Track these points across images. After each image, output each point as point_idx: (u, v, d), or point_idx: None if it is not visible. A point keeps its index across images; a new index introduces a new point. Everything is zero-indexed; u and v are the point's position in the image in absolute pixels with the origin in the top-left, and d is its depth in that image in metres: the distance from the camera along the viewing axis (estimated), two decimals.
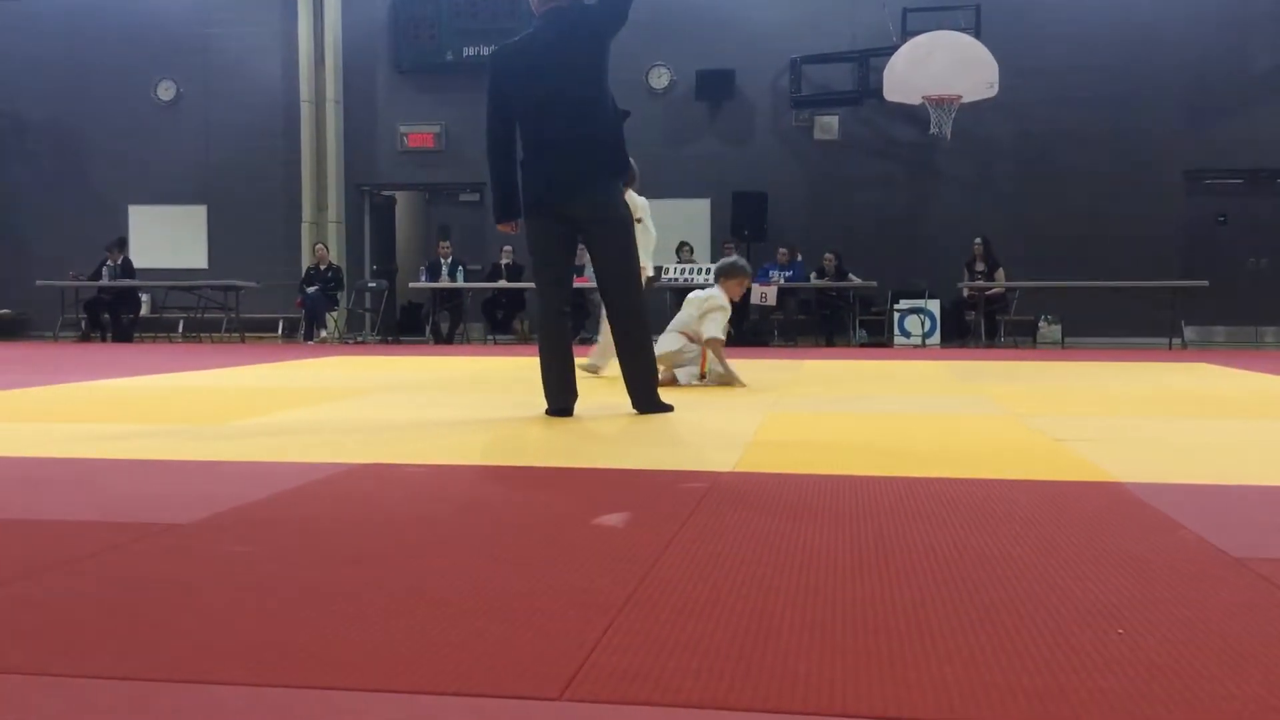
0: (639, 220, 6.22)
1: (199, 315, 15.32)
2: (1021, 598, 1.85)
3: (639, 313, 4.66)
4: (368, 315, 15.70)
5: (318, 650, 1.58)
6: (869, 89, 14.40)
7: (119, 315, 15.05)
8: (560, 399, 4.66)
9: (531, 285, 15.56)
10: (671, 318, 6.72)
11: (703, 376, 6.43)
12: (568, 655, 1.55)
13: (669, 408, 4.70)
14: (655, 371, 4.78)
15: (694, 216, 14.80)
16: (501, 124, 4.60)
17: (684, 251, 14.14)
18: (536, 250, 4.67)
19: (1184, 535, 2.35)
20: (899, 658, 1.54)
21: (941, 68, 13.27)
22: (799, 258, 14.13)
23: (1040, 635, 1.64)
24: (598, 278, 4.71)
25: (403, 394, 5.98)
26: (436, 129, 15.73)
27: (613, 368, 6.54)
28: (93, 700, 1.41)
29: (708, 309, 6.39)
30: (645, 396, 4.67)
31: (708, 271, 13.81)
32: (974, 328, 13.72)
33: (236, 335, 14.90)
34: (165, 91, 16.38)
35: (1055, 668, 1.50)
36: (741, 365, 8.94)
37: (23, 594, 1.90)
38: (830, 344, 13.78)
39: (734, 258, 6.81)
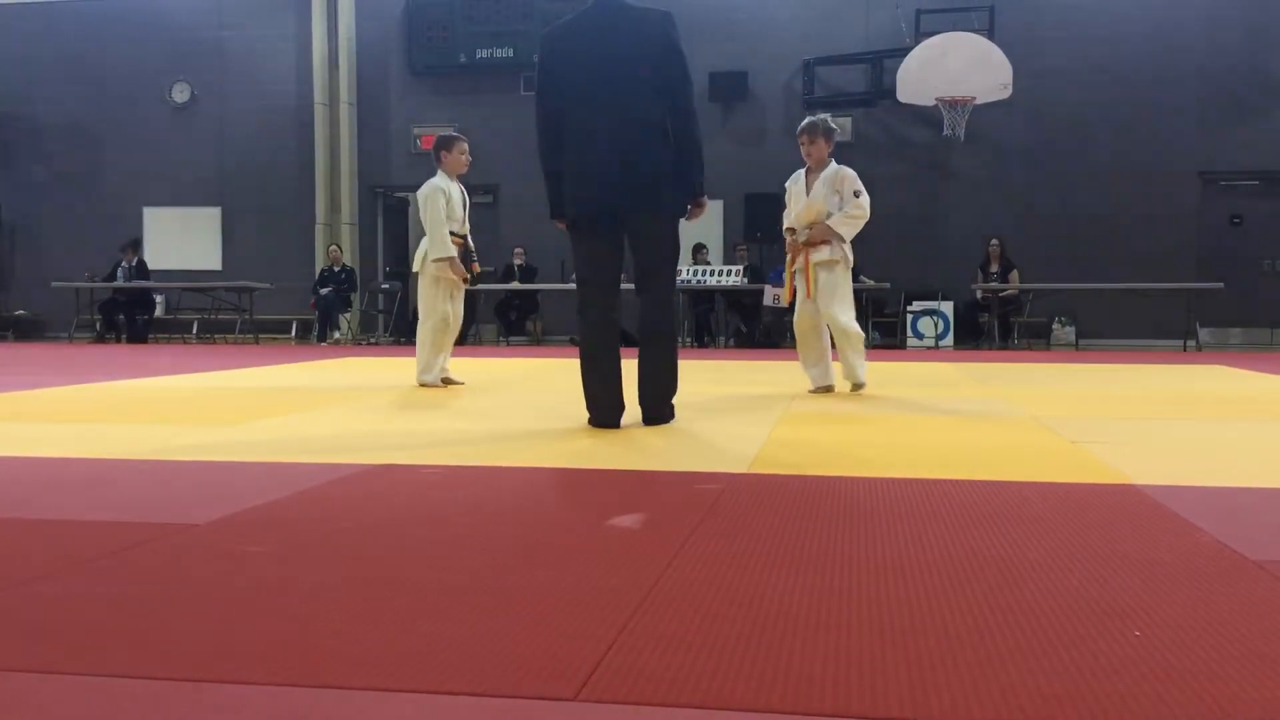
0: None
1: (213, 316, 15.38)
2: (1037, 600, 1.84)
3: (670, 320, 4.49)
4: (381, 317, 15.74)
5: (334, 650, 1.58)
6: (882, 90, 14.38)
7: (134, 316, 15.12)
8: (607, 414, 4.34)
9: (543, 287, 15.49)
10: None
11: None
12: (583, 656, 1.55)
13: (674, 415, 4.50)
14: (673, 386, 4.48)
15: (707, 218, 14.72)
16: (552, 112, 4.34)
17: (700, 253, 14.13)
18: (581, 251, 4.41)
19: (1201, 538, 2.34)
20: (915, 659, 1.54)
21: (955, 69, 13.25)
22: None
23: (1057, 638, 1.64)
24: (636, 276, 4.46)
25: (415, 395, 5.99)
26: (450, 131, 15.76)
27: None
28: (111, 700, 1.41)
29: None
30: (656, 411, 4.42)
31: (721, 273, 13.83)
32: (987, 329, 13.68)
33: (250, 336, 14.94)
34: (180, 94, 16.45)
35: (1072, 670, 1.49)
36: (755, 367, 8.95)
37: (41, 594, 1.91)
38: None
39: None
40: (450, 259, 6.32)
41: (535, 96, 4.43)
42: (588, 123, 4.32)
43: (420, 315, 6.56)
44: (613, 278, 4.43)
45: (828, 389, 5.95)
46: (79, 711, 1.37)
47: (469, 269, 6.47)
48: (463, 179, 6.72)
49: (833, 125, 5.98)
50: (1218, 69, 14.21)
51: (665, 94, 4.32)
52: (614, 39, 4.32)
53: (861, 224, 5.87)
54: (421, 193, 6.48)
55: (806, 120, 5.96)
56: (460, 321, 6.63)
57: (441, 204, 6.33)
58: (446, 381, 6.53)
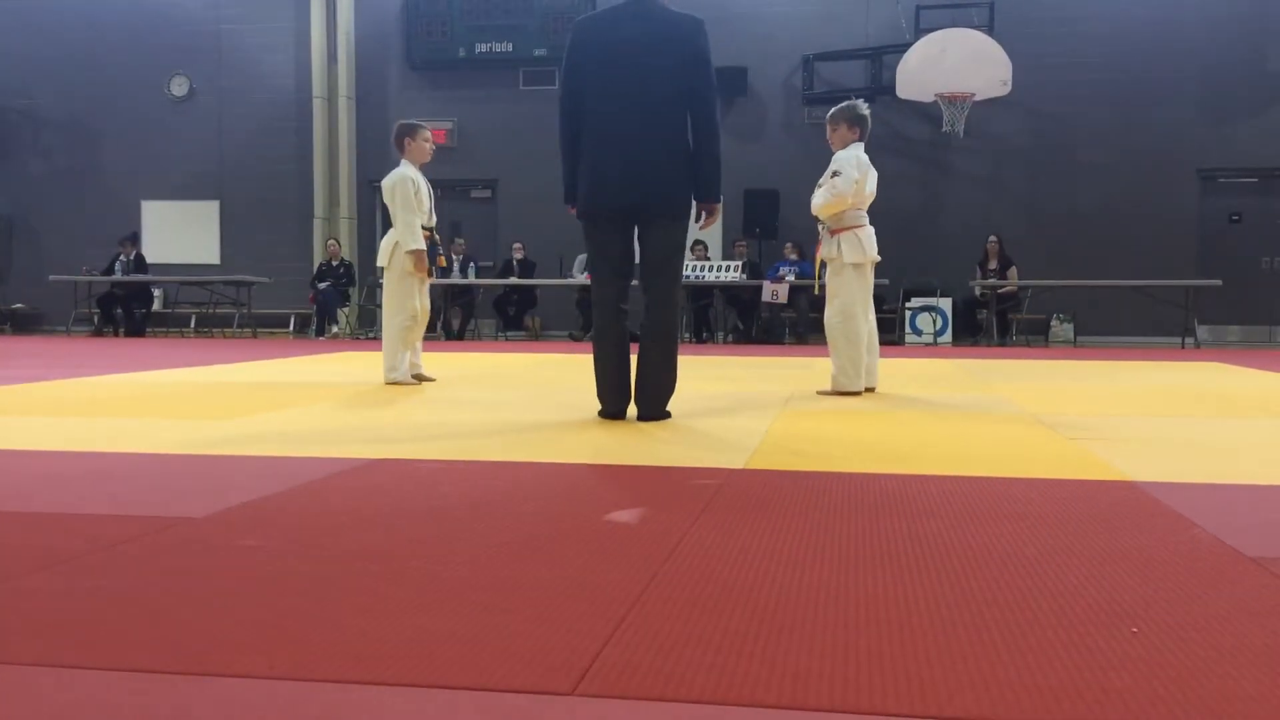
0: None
1: (211, 310, 15.37)
2: (1035, 596, 1.84)
3: (673, 320, 4.51)
4: (379, 311, 15.71)
5: (330, 644, 1.58)
6: (882, 86, 14.36)
7: (131, 310, 15.11)
8: (616, 401, 4.46)
9: (541, 282, 15.46)
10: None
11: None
12: (581, 650, 1.55)
13: (669, 415, 4.53)
14: (672, 386, 4.51)
15: None
16: (574, 94, 4.39)
17: (698, 249, 14.12)
18: (594, 244, 4.49)
19: (1198, 535, 2.34)
20: (912, 655, 1.54)
21: (955, 65, 13.23)
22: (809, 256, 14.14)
23: (1054, 634, 1.64)
24: (641, 273, 4.51)
25: (413, 390, 5.98)
26: (449, 125, 15.73)
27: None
28: (106, 693, 1.41)
29: None
30: (652, 410, 4.47)
31: (720, 269, 13.82)
32: (986, 326, 13.68)
33: (248, 331, 14.94)
34: (178, 87, 16.43)
35: (1069, 666, 1.49)
36: (754, 364, 8.95)
37: (36, 587, 1.91)
38: None
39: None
40: (421, 251, 6.08)
41: (561, 83, 4.50)
42: (607, 120, 4.36)
43: (387, 311, 6.26)
44: (623, 270, 4.50)
45: (864, 390, 5.77)
46: (74, 705, 1.36)
47: (434, 263, 6.23)
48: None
49: (861, 112, 5.79)
50: (1217, 66, 14.20)
51: (688, 101, 4.33)
52: (643, 39, 4.34)
53: (833, 200, 5.71)
54: (389, 181, 6.14)
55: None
56: (428, 314, 6.40)
57: (410, 193, 6.04)
58: (419, 378, 6.36)
